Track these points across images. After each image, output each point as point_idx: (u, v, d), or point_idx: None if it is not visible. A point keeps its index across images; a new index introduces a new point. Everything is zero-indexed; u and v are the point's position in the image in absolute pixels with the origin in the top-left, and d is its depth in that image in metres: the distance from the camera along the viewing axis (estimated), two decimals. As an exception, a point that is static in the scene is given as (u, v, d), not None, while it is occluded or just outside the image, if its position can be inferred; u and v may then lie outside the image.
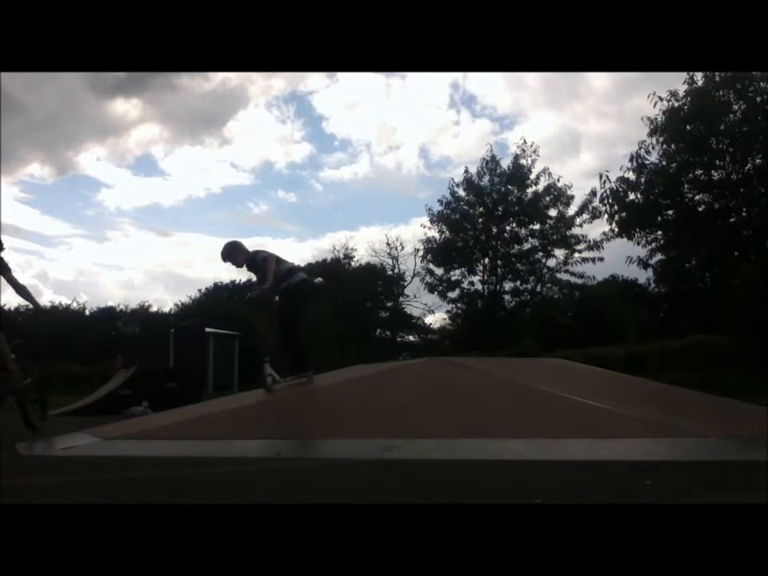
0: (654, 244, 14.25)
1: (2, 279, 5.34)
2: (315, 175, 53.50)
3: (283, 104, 58.35)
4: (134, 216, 54.53)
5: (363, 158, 52.70)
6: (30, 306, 5.80)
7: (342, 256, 31.61)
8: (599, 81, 40.21)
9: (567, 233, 20.45)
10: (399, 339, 31.47)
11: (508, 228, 21.10)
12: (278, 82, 46.22)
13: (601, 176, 14.15)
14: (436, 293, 22.86)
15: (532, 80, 39.11)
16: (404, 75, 42.37)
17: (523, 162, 20.87)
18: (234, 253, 5.75)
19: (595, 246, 19.59)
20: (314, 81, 45.90)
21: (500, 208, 20.96)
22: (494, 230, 21.11)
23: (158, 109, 50.54)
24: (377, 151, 54.08)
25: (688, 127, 13.22)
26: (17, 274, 5.49)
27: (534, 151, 20.88)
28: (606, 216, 14.51)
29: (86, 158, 53.63)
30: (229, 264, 5.75)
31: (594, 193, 17.60)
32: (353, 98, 53.13)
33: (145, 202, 56.33)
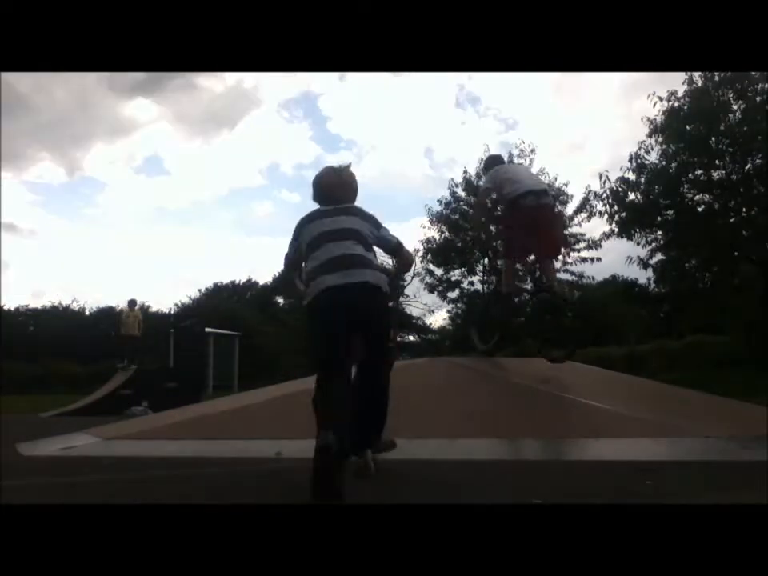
0: (654, 244, 14.27)
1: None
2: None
3: (293, 105, 58.31)
4: (137, 216, 54.40)
5: (368, 159, 52.76)
6: None
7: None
8: (603, 81, 40.31)
9: (566, 232, 20.44)
10: (399, 339, 31.47)
11: (507, 228, 21.05)
12: (288, 83, 46.32)
13: (601, 176, 14.18)
14: (436, 293, 22.89)
15: (537, 80, 39.19)
16: (410, 75, 42.41)
17: (521, 161, 20.88)
18: None
19: (594, 245, 19.60)
20: (321, 82, 45.99)
21: (499, 208, 20.93)
22: (494, 229, 21.06)
23: (168, 110, 50.67)
24: (382, 152, 54.15)
25: (688, 127, 13.22)
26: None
27: (532, 151, 20.94)
28: (606, 216, 14.53)
29: (94, 158, 53.53)
30: None
31: (591, 191, 17.66)
32: (359, 99, 53.20)
33: (149, 202, 56.28)
